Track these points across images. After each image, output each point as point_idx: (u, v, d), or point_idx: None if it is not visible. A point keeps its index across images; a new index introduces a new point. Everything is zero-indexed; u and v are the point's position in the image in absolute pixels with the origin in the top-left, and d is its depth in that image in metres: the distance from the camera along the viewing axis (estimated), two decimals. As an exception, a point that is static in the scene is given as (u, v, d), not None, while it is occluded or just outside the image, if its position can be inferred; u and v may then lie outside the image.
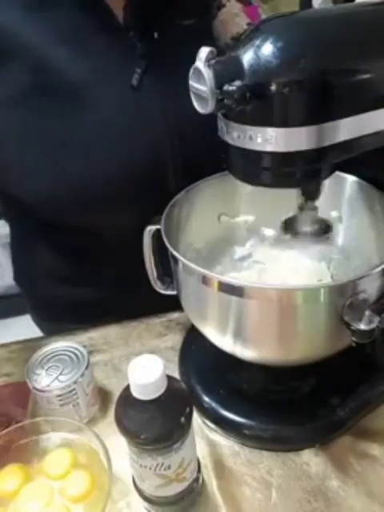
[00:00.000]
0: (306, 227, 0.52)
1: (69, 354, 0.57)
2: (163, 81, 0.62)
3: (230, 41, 0.74)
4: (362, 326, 0.43)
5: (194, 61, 0.38)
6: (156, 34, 0.63)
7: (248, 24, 0.76)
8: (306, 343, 0.49)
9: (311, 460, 0.52)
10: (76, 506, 0.46)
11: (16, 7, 0.57)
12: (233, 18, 0.74)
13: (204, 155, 0.58)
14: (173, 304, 0.59)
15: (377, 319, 0.43)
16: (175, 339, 0.68)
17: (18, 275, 0.87)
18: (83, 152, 0.60)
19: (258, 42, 0.37)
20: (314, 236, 0.53)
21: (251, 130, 0.39)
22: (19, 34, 0.57)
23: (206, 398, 0.57)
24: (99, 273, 0.76)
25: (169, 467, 0.43)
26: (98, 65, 0.60)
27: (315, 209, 0.51)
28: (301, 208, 0.51)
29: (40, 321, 0.89)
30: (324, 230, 0.53)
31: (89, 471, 0.48)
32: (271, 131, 0.38)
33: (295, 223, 0.53)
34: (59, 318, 0.81)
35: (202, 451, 0.54)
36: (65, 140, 0.60)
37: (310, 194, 0.48)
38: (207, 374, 0.61)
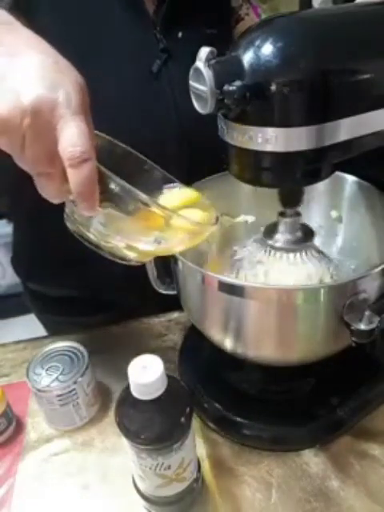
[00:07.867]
0: (287, 234, 0.51)
1: (69, 353, 0.57)
2: (179, 76, 0.63)
3: None
4: (362, 326, 0.43)
5: None
6: (180, 34, 0.67)
7: None
8: (305, 343, 0.49)
9: (311, 460, 0.52)
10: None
11: None
12: None
13: (210, 154, 0.58)
14: (173, 304, 0.59)
15: (377, 319, 0.43)
16: (175, 339, 0.68)
17: (17, 258, 0.85)
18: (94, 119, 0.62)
19: (258, 42, 0.37)
20: (295, 244, 0.52)
21: (251, 129, 0.39)
22: None
23: (206, 398, 0.57)
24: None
25: (169, 467, 0.43)
26: (121, 45, 0.63)
27: (297, 215, 0.50)
28: (282, 214, 0.50)
29: (39, 313, 0.88)
30: (306, 237, 0.52)
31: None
32: (271, 131, 0.38)
33: (276, 230, 0.52)
34: (56, 308, 0.80)
35: (201, 451, 0.54)
36: None
37: (290, 200, 0.48)
38: (207, 374, 0.61)
